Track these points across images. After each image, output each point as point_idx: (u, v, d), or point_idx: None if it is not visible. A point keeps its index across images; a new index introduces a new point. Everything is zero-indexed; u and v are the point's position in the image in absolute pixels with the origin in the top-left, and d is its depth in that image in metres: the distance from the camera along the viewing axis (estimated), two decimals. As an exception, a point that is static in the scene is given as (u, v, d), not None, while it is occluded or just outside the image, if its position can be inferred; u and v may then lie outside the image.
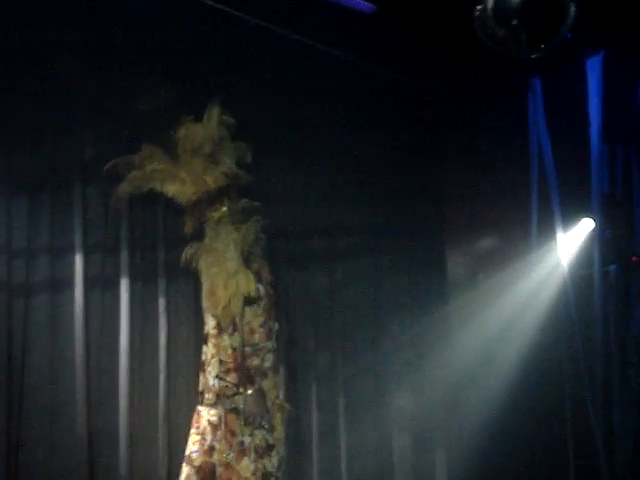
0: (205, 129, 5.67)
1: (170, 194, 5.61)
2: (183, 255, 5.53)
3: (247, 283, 5.48)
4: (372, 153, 6.56)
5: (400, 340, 6.53)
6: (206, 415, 5.37)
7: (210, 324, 5.46)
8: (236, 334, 5.41)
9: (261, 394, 5.42)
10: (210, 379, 5.38)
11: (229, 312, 5.42)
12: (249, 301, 5.51)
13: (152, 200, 5.74)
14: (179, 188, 5.59)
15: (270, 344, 5.57)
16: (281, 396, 5.71)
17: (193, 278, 5.69)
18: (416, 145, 6.79)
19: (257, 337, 5.51)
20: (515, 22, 4.45)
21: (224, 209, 5.61)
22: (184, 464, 5.35)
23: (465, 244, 6.96)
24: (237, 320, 5.43)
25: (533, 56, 4.75)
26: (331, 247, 6.49)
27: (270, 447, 5.43)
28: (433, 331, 6.61)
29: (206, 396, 5.37)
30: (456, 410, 6.59)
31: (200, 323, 5.61)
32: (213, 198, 5.61)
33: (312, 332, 6.30)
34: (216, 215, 5.59)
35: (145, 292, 5.74)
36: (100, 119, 5.67)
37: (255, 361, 5.47)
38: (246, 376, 5.38)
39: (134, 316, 5.64)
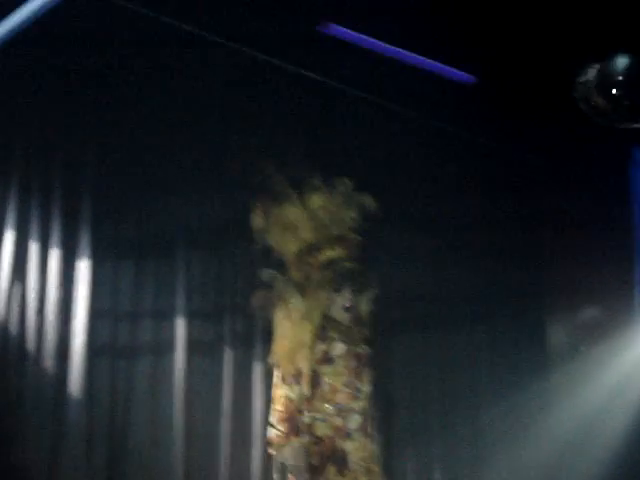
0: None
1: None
2: (253, 301, 5.58)
3: (305, 333, 5.48)
4: (470, 222, 6.56)
5: (499, 411, 6.42)
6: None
7: (275, 374, 5.49)
8: (295, 387, 5.39)
9: (302, 449, 5.35)
10: (269, 428, 5.40)
11: (290, 363, 5.43)
12: (327, 359, 5.50)
13: (252, 267, 5.82)
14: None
15: (357, 405, 5.50)
16: (369, 457, 5.58)
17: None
18: (514, 214, 6.76)
19: (340, 397, 5.48)
20: (617, 93, 4.45)
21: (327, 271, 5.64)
22: None
23: (565, 315, 6.84)
24: (304, 372, 5.42)
25: (636, 126, 4.72)
26: (429, 314, 6.47)
27: None
28: (533, 402, 6.49)
29: (268, 446, 5.39)
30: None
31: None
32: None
33: (408, 398, 6.24)
34: (316, 274, 5.62)
35: (244, 357, 5.79)
36: (202, 186, 5.82)
37: (337, 421, 5.44)
38: (295, 427, 5.34)
39: (234, 381, 5.70)
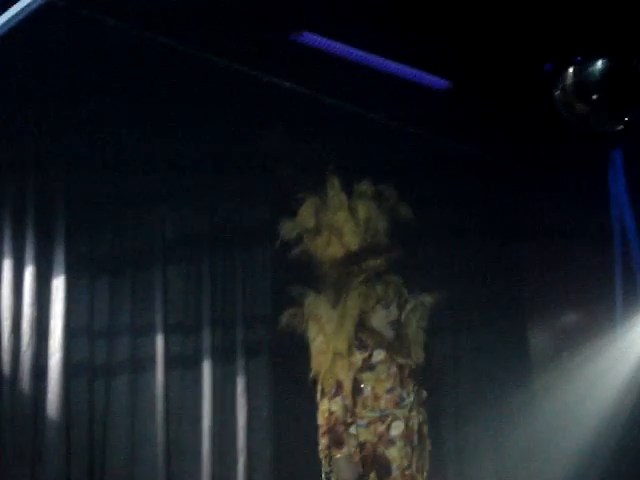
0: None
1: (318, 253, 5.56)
2: (282, 319, 5.50)
3: (340, 343, 5.40)
4: (450, 230, 6.53)
5: (482, 416, 6.38)
6: None
7: (318, 389, 5.42)
8: (338, 398, 5.31)
9: (349, 459, 5.27)
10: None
11: (331, 375, 5.36)
12: (368, 367, 5.42)
13: (230, 279, 5.82)
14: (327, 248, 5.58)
15: (400, 412, 5.39)
16: (414, 467, 5.41)
17: (271, 356, 5.77)
18: (494, 222, 6.77)
19: (383, 403, 5.40)
20: (596, 96, 4.42)
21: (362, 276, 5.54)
22: None
23: (547, 321, 6.84)
24: (344, 384, 5.35)
25: (615, 129, 4.70)
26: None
27: None
28: (516, 408, 6.48)
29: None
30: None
31: (279, 404, 5.64)
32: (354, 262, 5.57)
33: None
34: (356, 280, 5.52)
35: (225, 372, 5.73)
36: (180, 199, 5.77)
37: (380, 427, 5.35)
38: (336, 439, 5.28)
39: (215, 396, 5.63)
